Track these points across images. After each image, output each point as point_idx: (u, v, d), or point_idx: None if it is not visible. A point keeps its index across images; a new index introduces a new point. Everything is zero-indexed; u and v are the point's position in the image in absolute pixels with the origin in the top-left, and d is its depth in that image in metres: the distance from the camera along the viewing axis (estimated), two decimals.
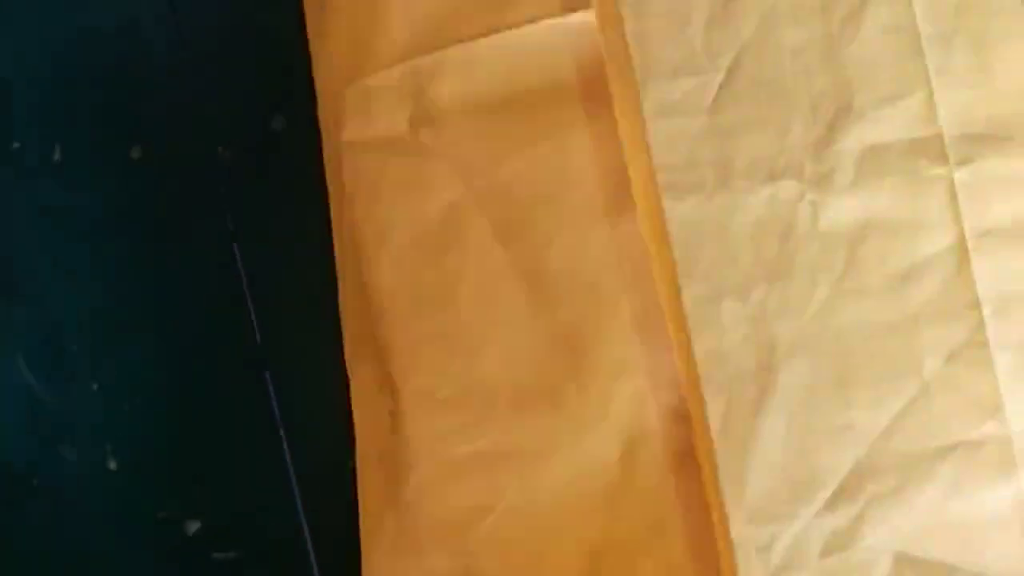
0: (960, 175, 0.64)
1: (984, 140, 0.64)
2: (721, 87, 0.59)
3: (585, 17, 0.53)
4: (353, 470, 0.58)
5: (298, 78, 0.62)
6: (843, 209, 0.63)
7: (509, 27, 0.53)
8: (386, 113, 0.54)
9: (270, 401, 0.66)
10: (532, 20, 0.53)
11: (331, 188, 0.58)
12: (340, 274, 0.58)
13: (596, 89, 0.53)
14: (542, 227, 0.53)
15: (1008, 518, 0.60)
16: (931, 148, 0.64)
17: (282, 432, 0.65)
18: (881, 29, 0.66)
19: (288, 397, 0.67)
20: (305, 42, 0.61)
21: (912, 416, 0.61)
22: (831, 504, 0.59)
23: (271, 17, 0.67)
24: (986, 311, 0.62)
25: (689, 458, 0.52)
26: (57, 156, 0.67)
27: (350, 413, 0.58)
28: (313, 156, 0.61)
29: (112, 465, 0.66)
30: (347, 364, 0.57)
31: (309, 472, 0.68)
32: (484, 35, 0.53)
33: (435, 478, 0.54)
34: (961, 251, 0.63)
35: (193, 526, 0.66)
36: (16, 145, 0.67)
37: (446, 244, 0.54)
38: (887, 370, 0.61)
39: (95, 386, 0.65)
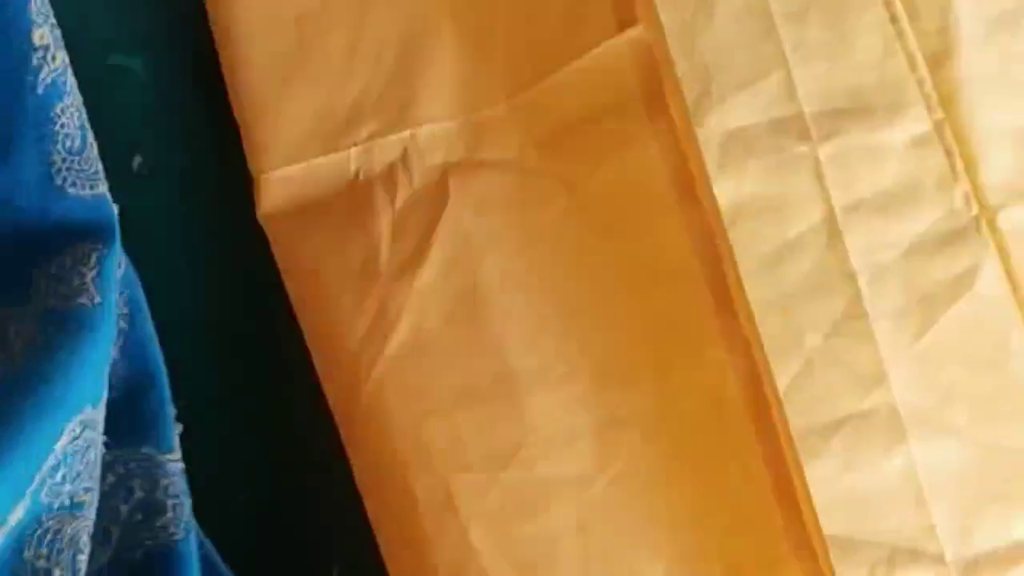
0: (824, 150, 0.64)
1: (846, 114, 0.65)
2: None
3: (637, 32, 0.63)
4: None
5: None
6: (715, 193, 0.63)
7: (580, 54, 0.63)
8: (495, 142, 0.64)
9: None
10: (596, 44, 0.63)
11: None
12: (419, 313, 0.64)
13: (655, 95, 0.63)
14: (633, 223, 0.63)
15: (902, 486, 0.61)
16: (793, 126, 0.65)
17: None
18: (734, 14, 0.66)
19: None
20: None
21: (798, 393, 0.61)
22: None
23: None
24: (861, 282, 0.62)
25: (766, 417, 0.60)
26: None
27: None
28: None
29: None
30: None
31: None
32: (570, 61, 0.64)
33: (550, 445, 0.61)
34: (831, 226, 0.63)
35: None
36: None
37: (556, 245, 0.63)
38: (770, 349, 0.61)
39: None
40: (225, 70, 0.67)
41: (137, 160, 0.67)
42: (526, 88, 0.65)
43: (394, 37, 0.67)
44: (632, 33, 0.64)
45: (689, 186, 0.63)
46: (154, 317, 0.61)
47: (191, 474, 0.61)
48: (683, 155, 0.63)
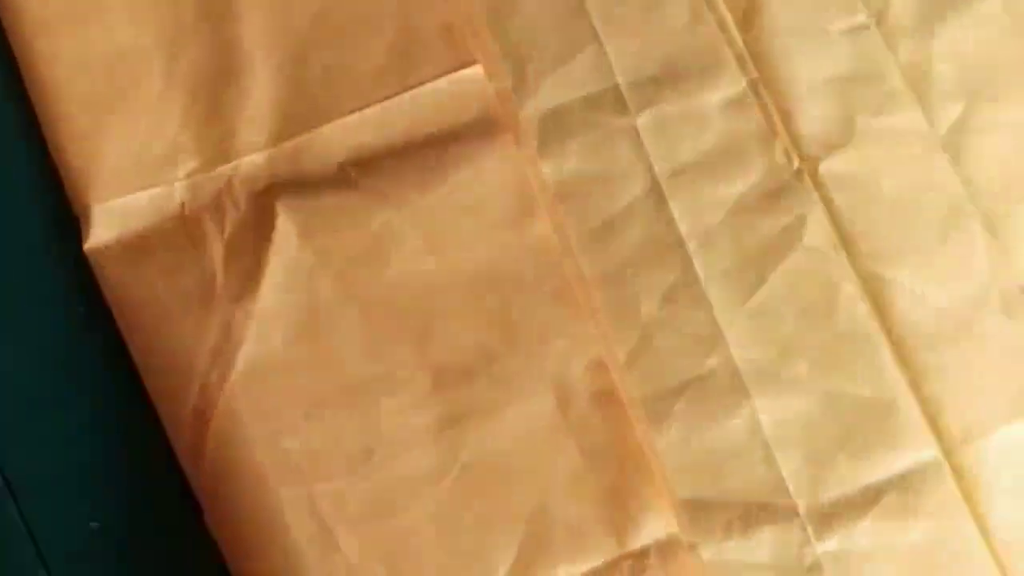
0: (642, 121, 0.65)
1: (660, 82, 0.65)
2: None
3: (475, 71, 0.66)
4: None
5: None
6: (541, 173, 0.63)
7: (421, 84, 0.66)
8: (317, 163, 0.65)
9: None
10: (434, 77, 0.66)
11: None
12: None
13: (492, 124, 0.65)
14: (467, 236, 0.64)
15: (749, 443, 0.61)
16: (609, 100, 0.65)
17: None
18: None
19: None
20: None
21: (640, 362, 0.61)
22: None
23: None
24: (691, 247, 0.63)
25: (612, 394, 0.62)
26: None
27: None
28: None
29: None
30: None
31: None
32: (398, 93, 0.66)
33: (399, 446, 0.62)
34: (657, 194, 0.64)
35: None
36: None
37: (384, 258, 0.64)
38: (609, 321, 0.61)
39: None
40: (39, 110, 0.67)
41: None
42: (344, 115, 0.66)
43: (207, 75, 0.68)
44: (471, 71, 0.67)
45: (527, 204, 0.65)
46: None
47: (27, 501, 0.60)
48: (523, 176, 0.65)
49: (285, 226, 0.63)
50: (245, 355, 0.61)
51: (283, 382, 0.61)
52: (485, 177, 0.65)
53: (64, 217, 0.65)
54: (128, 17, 0.66)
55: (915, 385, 0.61)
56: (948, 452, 0.60)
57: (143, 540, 0.63)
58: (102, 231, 0.63)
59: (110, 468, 0.63)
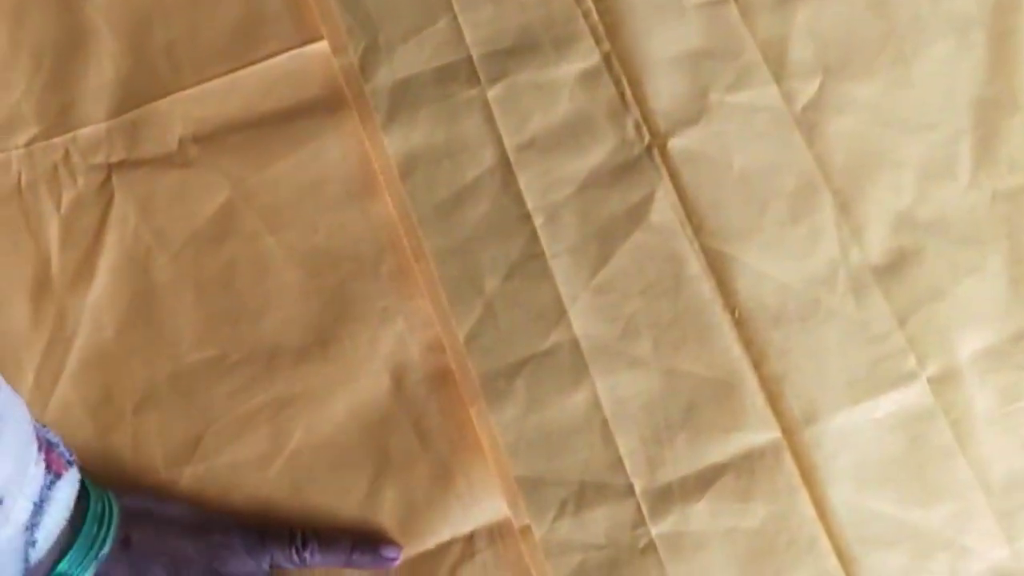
0: (493, 92, 0.64)
1: (514, 53, 0.64)
2: None
3: (320, 46, 0.65)
4: None
5: None
6: (386, 145, 0.62)
7: (261, 60, 0.65)
8: (154, 138, 0.65)
9: None
10: (278, 53, 0.65)
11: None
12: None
13: (337, 102, 0.65)
14: (307, 214, 0.63)
15: (586, 422, 0.60)
16: (461, 71, 0.64)
17: None
18: None
19: None
20: None
21: (481, 338, 0.60)
22: None
23: None
24: (538, 222, 0.62)
25: (447, 376, 0.62)
26: None
27: None
28: None
29: None
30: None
31: None
32: (241, 67, 0.65)
33: (229, 432, 0.61)
34: (505, 167, 0.63)
35: None
36: None
37: (221, 237, 0.63)
38: (450, 296, 0.60)
39: None
40: None
41: None
42: (186, 88, 0.66)
43: (51, 43, 0.68)
44: (316, 47, 0.66)
45: (369, 182, 0.64)
46: None
47: None
48: (365, 154, 0.65)
49: (122, 205, 0.62)
50: (79, 347, 0.60)
51: (115, 373, 0.61)
52: (327, 155, 0.64)
53: None
54: None
55: (757, 365, 0.60)
56: (788, 434, 0.59)
57: None
58: None
59: None
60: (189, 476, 0.59)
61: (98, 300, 0.61)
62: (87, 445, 0.59)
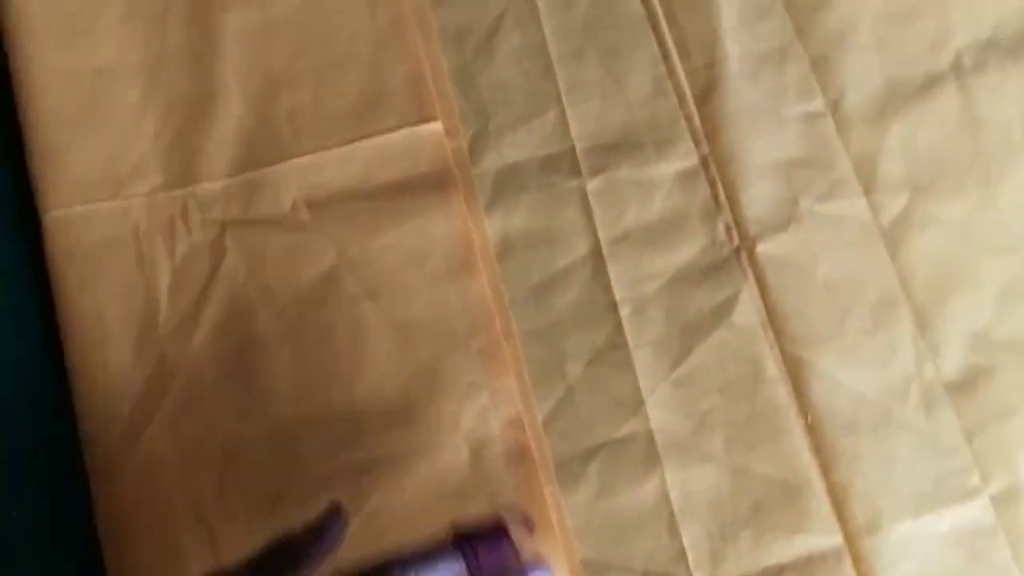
0: (593, 185, 0.67)
1: (616, 149, 0.67)
2: None
3: (435, 127, 0.69)
4: None
5: None
6: (486, 227, 0.65)
7: (378, 134, 0.68)
8: (270, 199, 0.68)
9: None
10: (395, 129, 0.69)
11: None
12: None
13: (446, 181, 0.68)
14: (406, 286, 0.66)
15: (653, 512, 0.63)
16: (564, 162, 0.67)
17: None
18: (514, 53, 0.69)
19: None
20: None
21: (559, 420, 0.63)
22: None
23: None
24: (624, 313, 0.65)
25: (526, 454, 0.64)
26: None
27: None
28: None
29: None
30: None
31: None
32: (359, 139, 0.69)
33: (309, 490, 0.64)
34: (597, 258, 0.66)
35: None
36: None
37: (323, 300, 0.67)
38: (533, 377, 0.63)
39: None
40: (20, 111, 0.71)
41: None
42: (305, 154, 0.68)
43: (183, 99, 0.71)
44: (431, 126, 0.69)
45: (469, 260, 0.67)
46: None
47: None
48: (467, 234, 0.67)
49: (233, 261, 0.66)
50: (175, 391, 0.64)
51: (208, 418, 0.64)
52: (431, 231, 0.67)
53: (27, 221, 0.67)
54: (118, 37, 0.70)
55: (826, 470, 0.62)
56: (850, 540, 0.61)
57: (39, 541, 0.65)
58: (60, 238, 0.66)
59: (20, 470, 0.66)
60: (268, 529, 0.62)
61: (200, 349, 0.65)
62: (171, 487, 0.63)
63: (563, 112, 0.67)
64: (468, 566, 0.53)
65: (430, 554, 0.55)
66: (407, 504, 0.63)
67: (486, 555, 0.53)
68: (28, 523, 0.64)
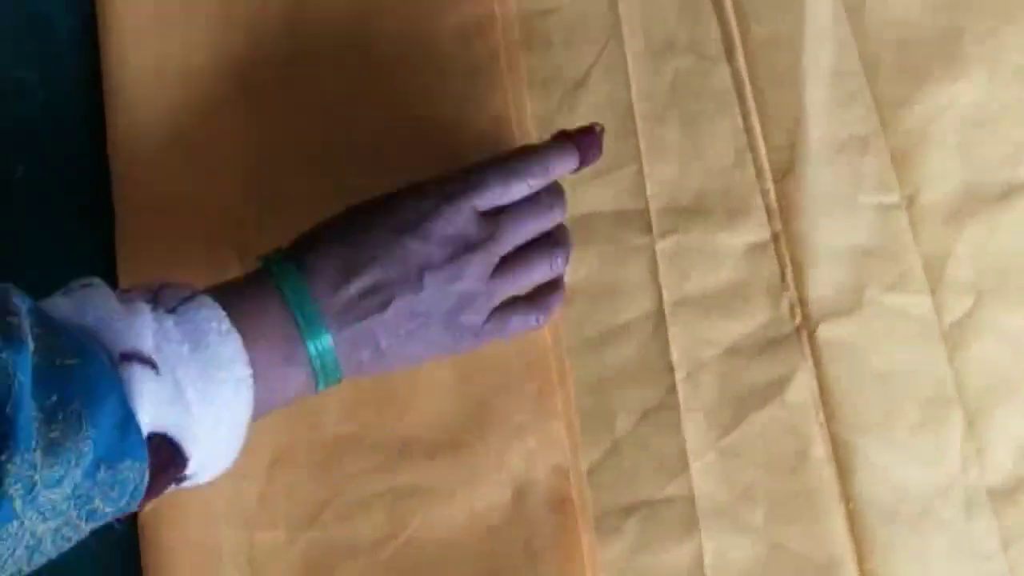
0: (662, 246, 0.67)
1: (688, 213, 0.68)
2: None
3: None
4: None
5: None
6: None
7: None
8: None
9: None
10: None
11: None
12: None
13: None
14: None
15: (688, 575, 0.62)
16: (637, 219, 0.68)
17: None
18: (598, 106, 0.70)
19: None
20: None
21: (603, 472, 0.63)
22: None
23: None
24: (679, 375, 0.65)
25: (567, 502, 0.64)
26: None
27: None
28: None
29: None
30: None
31: None
32: None
33: (350, 509, 0.65)
34: (658, 317, 0.66)
35: None
36: None
37: None
38: (582, 426, 0.64)
39: None
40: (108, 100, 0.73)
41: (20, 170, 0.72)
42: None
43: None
44: None
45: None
46: None
47: None
48: None
49: None
50: None
51: (258, 425, 0.64)
52: None
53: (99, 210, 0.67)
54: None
55: (862, 559, 0.62)
56: None
57: None
58: (142, 232, 0.67)
59: None
60: (306, 541, 0.62)
61: None
62: (216, 487, 0.62)
63: (640, 170, 0.68)
64: None
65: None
66: (445, 536, 0.64)
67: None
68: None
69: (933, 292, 0.66)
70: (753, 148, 0.68)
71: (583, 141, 0.61)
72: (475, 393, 0.65)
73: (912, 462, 0.63)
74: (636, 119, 0.69)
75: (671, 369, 0.65)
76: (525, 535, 0.63)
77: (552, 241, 0.60)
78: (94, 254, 0.67)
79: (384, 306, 0.55)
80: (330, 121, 0.68)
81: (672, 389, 0.64)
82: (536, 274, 0.60)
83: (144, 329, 0.49)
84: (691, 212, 0.67)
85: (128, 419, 0.47)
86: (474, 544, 0.63)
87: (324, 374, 0.54)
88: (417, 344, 0.57)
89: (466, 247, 0.57)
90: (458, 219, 0.57)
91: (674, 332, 0.65)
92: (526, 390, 0.65)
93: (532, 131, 0.69)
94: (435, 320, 0.57)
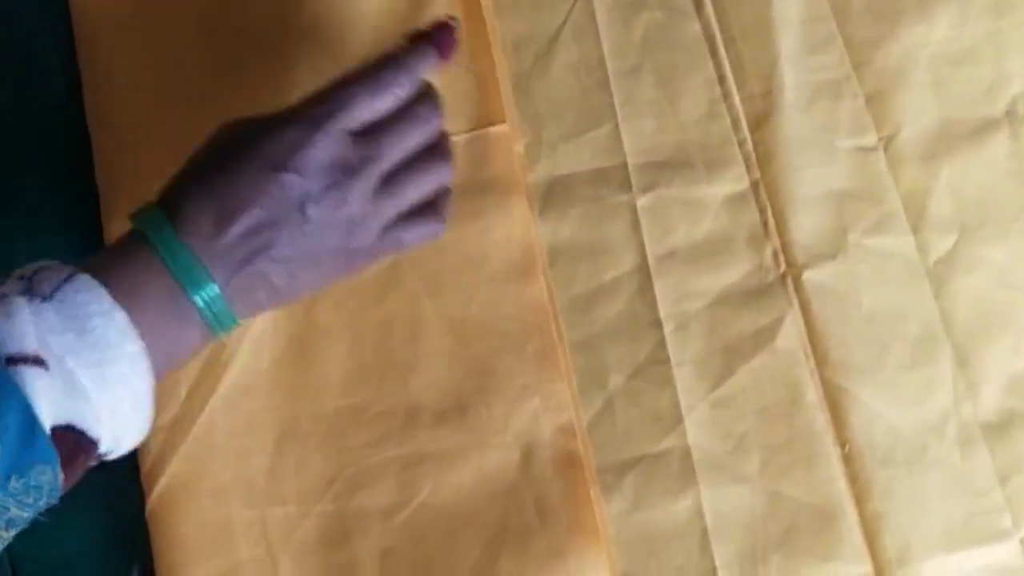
0: (643, 201, 0.67)
1: (667, 167, 0.68)
2: None
3: (503, 128, 0.69)
4: None
5: None
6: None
7: (450, 135, 0.65)
8: None
9: None
10: (463, 131, 0.69)
11: None
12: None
13: (509, 184, 0.68)
14: (465, 285, 0.67)
15: (686, 528, 0.62)
16: (615, 177, 0.68)
17: None
18: (571, 66, 0.69)
19: None
20: None
21: (599, 430, 0.63)
22: None
23: None
24: (667, 329, 0.65)
25: (573, 460, 0.64)
26: None
27: None
28: None
29: None
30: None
31: None
32: None
33: (360, 479, 0.65)
34: (643, 273, 0.66)
35: None
36: None
37: (382, 294, 0.67)
38: (577, 386, 0.64)
39: None
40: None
41: None
42: None
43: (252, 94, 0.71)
44: (498, 128, 0.69)
45: (528, 265, 0.68)
46: None
47: None
48: (530, 237, 0.68)
49: None
50: (233, 371, 0.64)
51: (263, 402, 0.64)
52: (493, 233, 0.67)
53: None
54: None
55: (860, 500, 0.62)
56: (880, 571, 0.61)
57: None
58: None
59: None
60: (317, 513, 0.63)
61: (259, 334, 0.65)
62: (225, 465, 0.64)
63: (617, 127, 0.68)
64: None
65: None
66: (455, 501, 0.64)
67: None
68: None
69: (915, 231, 0.66)
70: (728, 99, 0.68)
71: (439, 36, 0.59)
72: (477, 356, 0.65)
73: (904, 402, 0.63)
74: (609, 76, 0.69)
75: (659, 323, 0.65)
76: (535, 495, 0.64)
77: (435, 151, 0.58)
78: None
79: (269, 246, 0.53)
80: None
81: (661, 343, 0.64)
82: (425, 186, 0.58)
83: (25, 327, 0.47)
84: (669, 166, 0.67)
85: (31, 425, 0.45)
86: (485, 506, 0.64)
87: (218, 322, 0.53)
88: (312, 274, 0.55)
89: (344, 172, 0.55)
90: (331, 145, 0.54)
91: (660, 286, 0.65)
92: (527, 351, 0.65)
93: (511, 93, 0.67)
94: (326, 249, 0.55)
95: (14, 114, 0.69)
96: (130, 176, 0.68)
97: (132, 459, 0.63)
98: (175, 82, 0.70)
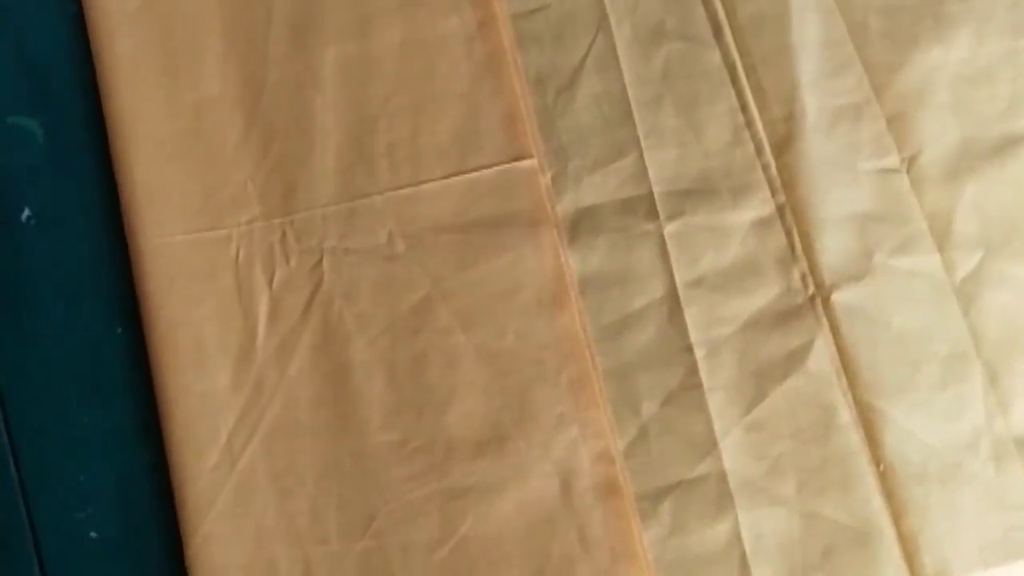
0: (670, 229, 0.68)
1: (692, 195, 0.68)
2: None
3: (529, 163, 0.70)
4: None
5: None
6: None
7: (475, 170, 0.70)
8: (366, 229, 0.70)
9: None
10: (491, 165, 0.70)
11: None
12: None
13: (538, 216, 0.69)
14: (498, 318, 0.68)
15: (725, 552, 0.63)
16: (642, 206, 0.68)
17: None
18: (593, 98, 0.70)
19: None
20: None
21: (634, 458, 0.64)
22: None
23: None
24: (699, 355, 0.66)
25: (613, 487, 0.65)
26: None
27: None
28: None
29: None
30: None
31: None
32: (455, 175, 0.70)
33: (402, 515, 0.66)
34: (673, 300, 0.66)
35: None
36: None
37: (416, 329, 0.68)
38: (611, 415, 0.64)
39: None
40: (118, 145, 0.73)
41: (26, 213, 0.72)
42: (402, 187, 0.70)
43: (282, 129, 0.73)
44: (526, 163, 0.71)
45: (560, 294, 0.69)
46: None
47: None
48: (560, 268, 0.69)
49: (329, 288, 0.68)
50: (272, 415, 0.65)
51: (303, 443, 0.65)
52: (523, 265, 0.68)
53: (116, 247, 0.69)
54: (219, 70, 0.71)
55: (897, 519, 0.62)
56: None
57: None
58: (161, 266, 0.67)
59: (108, 485, 0.67)
60: (360, 550, 0.63)
61: (296, 374, 0.66)
62: (267, 507, 0.64)
63: (641, 157, 0.69)
64: None
65: None
66: (498, 533, 0.65)
67: None
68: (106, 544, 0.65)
69: (941, 250, 0.66)
70: (750, 125, 0.69)
71: None
72: (512, 387, 0.66)
73: (937, 420, 0.64)
74: (632, 107, 0.70)
75: (690, 349, 0.65)
76: (577, 524, 0.64)
77: None
78: (108, 291, 0.67)
79: None
80: (345, 140, 0.69)
81: (693, 369, 0.65)
82: None
83: None
84: (695, 193, 0.68)
85: None
86: (528, 538, 0.64)
87: None
88: None
89: None
90: None
91: (690, 313, 0.66)
92: (562, 380, 0.66)
93: (536, 126, 0.69)
94: None
95: None
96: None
97: (166, 510, 0.64)
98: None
